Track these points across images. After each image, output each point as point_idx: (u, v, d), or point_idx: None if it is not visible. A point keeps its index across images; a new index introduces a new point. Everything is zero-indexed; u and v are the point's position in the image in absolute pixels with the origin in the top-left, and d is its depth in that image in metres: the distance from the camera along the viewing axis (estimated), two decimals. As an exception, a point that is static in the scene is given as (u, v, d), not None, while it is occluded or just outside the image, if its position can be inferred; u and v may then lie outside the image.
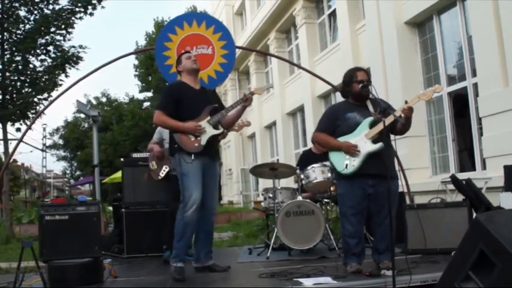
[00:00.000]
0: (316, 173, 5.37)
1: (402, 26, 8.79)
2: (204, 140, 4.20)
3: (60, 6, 10.62)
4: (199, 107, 4.30)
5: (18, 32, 10.45)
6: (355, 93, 4.06)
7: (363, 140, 3.93)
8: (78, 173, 36.79)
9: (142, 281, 4.30)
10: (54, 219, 4.19)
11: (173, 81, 4.86)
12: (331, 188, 5.51)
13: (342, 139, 4.00)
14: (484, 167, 7.12)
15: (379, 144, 3.88)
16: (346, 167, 3.95)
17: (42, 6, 10.54)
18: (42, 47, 10.65)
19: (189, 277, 4.26)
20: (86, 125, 32.93)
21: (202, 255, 4.42)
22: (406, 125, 3.93)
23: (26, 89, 10.54)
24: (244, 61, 20.11)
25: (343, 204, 4.10)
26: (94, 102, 33.14)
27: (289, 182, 6.83)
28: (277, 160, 16.45)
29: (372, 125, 3.94)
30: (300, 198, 5.32)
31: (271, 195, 5.55)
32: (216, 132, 4.29)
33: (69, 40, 10.90)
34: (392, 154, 4.18)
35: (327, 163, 5.25)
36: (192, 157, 4.14)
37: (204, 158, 4.21)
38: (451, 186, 5.69)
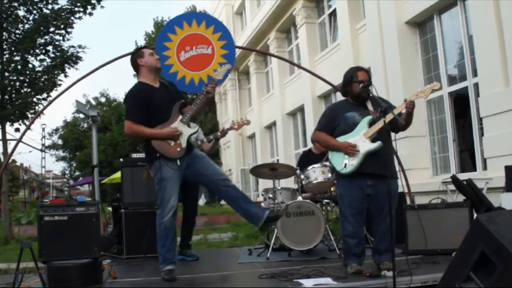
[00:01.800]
0: (317, 173, 5.36)
1: (403, 25, 8.79)
2: (184, 142, 4.09)
3: (59, 6, 10.62)
4: (168, 107, 4.13)
5: (17, 31, 10.44)
6: (354, 93, 4.05)
7: (361, 139, 3.93)
8: (77, 173, 36.71)
9: (141, 282, 4.28)
10: (53, 220, 4.16)
11: (134, 86, 4.35)
12: (332, 189, 5.49)
13: (341, 139, 4.00)
14: (484, 168, 7.11)
15: (378, 143, 3.87)
16: (345, 167, 3.94)
17: (42, 6, 10.53)
18: (42, 47, 10.64)
19: (188, 277, 4.25)
20: (85, 125, 32.90)
21: (260, 210, 4.22)
22: (408, 121, 3.90)
23: (25, 89, 10.53)
24: (244, 61, 20.10)
25: (342, 205, 4.10)
26: (93, 102, 33.11)
27: (289, 183, 6.81)
28: (277, 160, 16.48)
29: (371, 124, 3.94)
30: (300, 198, 5.30)
31: (271, 196, 5.53)
32: (193, 130, 4.15)
33: (68, 40, 10.91)
34: (393, 154, 4.17)
35: (327, 163, 5.24)
36: (178, 162, 4.04)
37: (185, 158, 4.10)
38: (451, 187, 5.69)
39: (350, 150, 3.91)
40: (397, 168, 5.47)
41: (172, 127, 4.06)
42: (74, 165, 36.02)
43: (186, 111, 4.17)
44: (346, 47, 11.40)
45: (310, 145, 6.72)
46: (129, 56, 4.44)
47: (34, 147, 33.03)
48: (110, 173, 22.26)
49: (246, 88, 21.69)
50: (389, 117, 3.76)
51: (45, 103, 10.61)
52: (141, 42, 28.91)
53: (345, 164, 3.94)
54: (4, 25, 10.17)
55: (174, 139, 4.06)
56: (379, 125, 3.81)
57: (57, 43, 10.76)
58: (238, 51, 11.84)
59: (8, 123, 10.49)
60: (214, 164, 4.34)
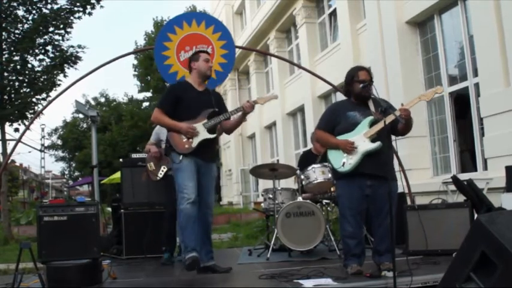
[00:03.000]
0: (317, 173, 5.35)
1: (403, 25, 8.76)
2: (195, 142, 4.20)
3: (58, 6, 10.63)
4: (199, 108, 4.30)
5: (17, 31, 10.44)
6: (355, 92, 4.04)
7: (361, 138, 3.92)
8: (76, 173, 36.71)
9: (141, 282, 4.27)
10: (52, 220, 4.16)
11: (178, 80, 4.89)
12: (332, 189, 5.48)
13: (341, 137, 3.99)
14: (485, 168, 7.09)
15: (377, 143, 3.86)
16: (343, 165, 3.94)
17: (41, 5, 10.53)
18: (41, 47, 10.63)
19: (188, 278, 4.24)
20: (85, 126, 32.89)
21: (203, 255, 4.37)
22: (407, 126, 3.91)
23: (24, 89, 10.53)
24: (244, 61, 20.07)
25: (341, 205, 4.10)
26: (93, 102, 33.08)
27: (289, 183, 6.80)
28: (277, 160, 16.45)
29: (372, 124, 3.93)
30: (300, 199, 5.29)
31: (271, 196, 5.52)
32: (209, 136, 4.26)
33: (67, 40, 10.91)
34: (392, 155, 4.16)
35: (327, 164, 5.23)
36: (180, 157, 4.18)
37: (195, 158, 4.21)
38: (452, 187, 5.67)
39: (349, 147, 3.90)
40: (398, 168, 5.47)
41: (191, 125, 4.20)
42: (74, 165, 36.04)
43: (213, 118, 4.29)
44: (347, 47, 11.38)
45: (310, 145, 6.71)
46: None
47: (33, 148, 33.08)
48: (109, 173, 22.24)
49: (246, 88, 21.65)
50: (389, 118, 3.77)
51: (44, 103, 10.60)
52: (141, 42, 28.94)
53: (343, 162, 3.94)
54: (3, 25, 10.16)
55: (187, 136, 4.19)
56: (380, 125, 3.81)
57: (56, 43, 10.76)
58: (238, 51, 11.82)
59: (7, 123, 10.48)
60: (213, 191, 4.51)
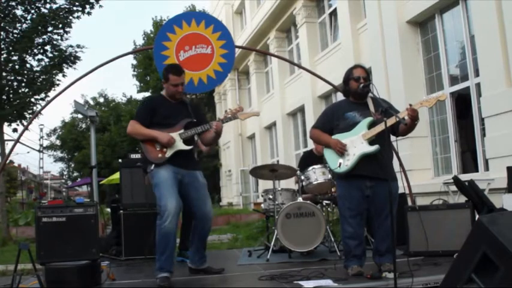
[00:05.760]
0: (317, 174, 5.34)
1: (404, 25, 8.75)
2: (169, 152, 4.07)
3: (57, 5, 10.59)
4: (175, 118, 4.18)
5: (15, 31, 10.40)
6: (352, 91, 4.03)
7: (359, 140, 3.90)
8: (75, 174, 36.62)
9: (140, 284, 4.25)
10: (51, 221, 4.15)
11: (151, 95, 4.80)
12: (332, 190, 5.46)
13: (339, 136, 3.98)
14: (486, 168, 7.07)
15: (375, 147, 3.84)
16: (339, 166, 3.93)
17: (39, 5, 10.49)
18: (39, 47, 10.59)
19: (187, 279, 4.22)
20: (84, 126, 32.82)
21: (197, 259, 4.38)
22: (411, 127, 3.88)
23: (23, 89, 10.48)
24: (244, 61, 20.06)
25: (341, 206, 4.09)
26: (91, 102, 33.01)
27: (289, 183, 6.78)
28: (278, 161, 16.44)
29: (371, 126, 3.90)
30: (300, 199, 5.26)
31: (271, 197, 5.50)
32: (184, 147, 4.12)
33: (66, 39, 10.88)
34: (391, 155, 4.13)
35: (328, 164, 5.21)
36: (152, 167, 4.05)
37: (176, 168, 4.07)
38: (453, 188, 5.65)
39: (339, 149, 3.89)
40: (398, 169, 5.45)
41: (169, 134, 4.07)
42: (72, 166, 35.94)
43: (190, 129, 4.18)
44: (347, 46, 11.36)
45: (310, 146, 6.68)
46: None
47: (32, 148, 33.10)
48: (108, 173, 22.17)
49: (246, 88, 21.65)
50: (390, 121, 3.74)
51: (43, 103, 10.56)
52: (140, 42, 28.89)
53: (339, 163, 3.93)
54: (2, 24, 10.13)
55: (162, 145, 4.07)
56: (379, 128, 3.78)
57: (55, 42, 10.73)
58: (238, 51, 11.78)
59: (5, 124, 10.44)
60: (208, 198, 4.34)
